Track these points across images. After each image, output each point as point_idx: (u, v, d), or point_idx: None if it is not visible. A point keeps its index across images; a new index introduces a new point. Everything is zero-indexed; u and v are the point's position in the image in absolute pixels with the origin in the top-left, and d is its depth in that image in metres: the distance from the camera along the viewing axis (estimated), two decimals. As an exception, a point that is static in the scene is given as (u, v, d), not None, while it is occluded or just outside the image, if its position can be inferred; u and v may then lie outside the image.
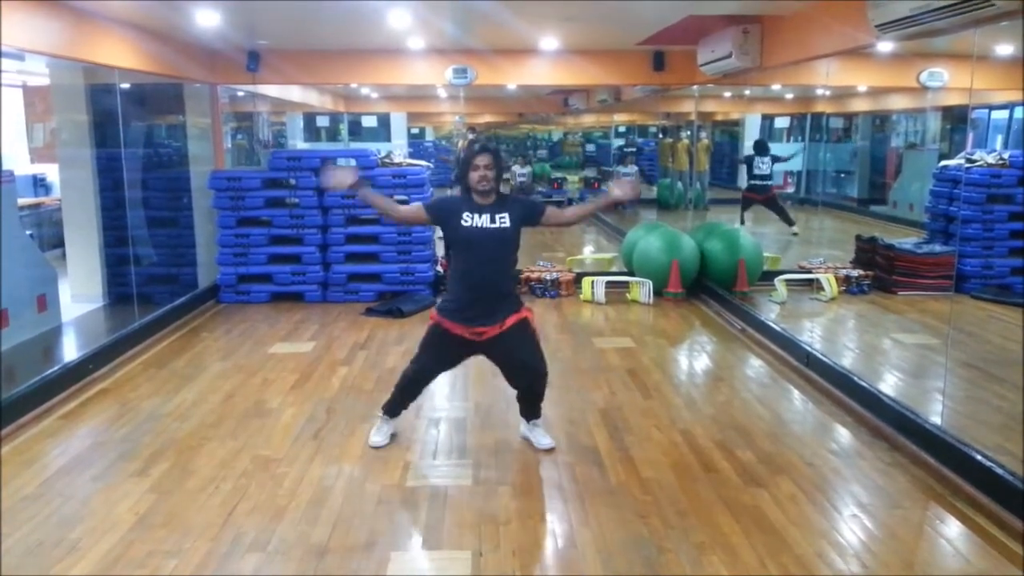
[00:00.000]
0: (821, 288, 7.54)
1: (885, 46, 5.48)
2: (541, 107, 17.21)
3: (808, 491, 3.63)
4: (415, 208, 4.05)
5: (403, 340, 6.26)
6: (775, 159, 11.14)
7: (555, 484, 3.72)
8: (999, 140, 10.39)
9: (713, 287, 7.50)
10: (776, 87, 10.97)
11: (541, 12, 5.96)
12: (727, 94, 12.43)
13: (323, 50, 7.91)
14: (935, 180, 8.61)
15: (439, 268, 7.90)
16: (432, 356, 3.99)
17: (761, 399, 4.94)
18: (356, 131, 15.77)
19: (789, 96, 12.75)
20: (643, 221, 10.43)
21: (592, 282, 7.65)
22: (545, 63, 8.10)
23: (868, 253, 8.19)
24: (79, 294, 7.33)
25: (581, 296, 7.65)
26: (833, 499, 3.58)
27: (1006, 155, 7.97)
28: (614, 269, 8.67)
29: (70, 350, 6.28)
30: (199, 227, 7.94)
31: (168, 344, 6.19)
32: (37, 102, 9.02)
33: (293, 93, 10.69)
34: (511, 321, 3.83)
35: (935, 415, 4.19)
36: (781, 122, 14.81)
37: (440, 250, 8.14)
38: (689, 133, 13.04)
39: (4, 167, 6.02)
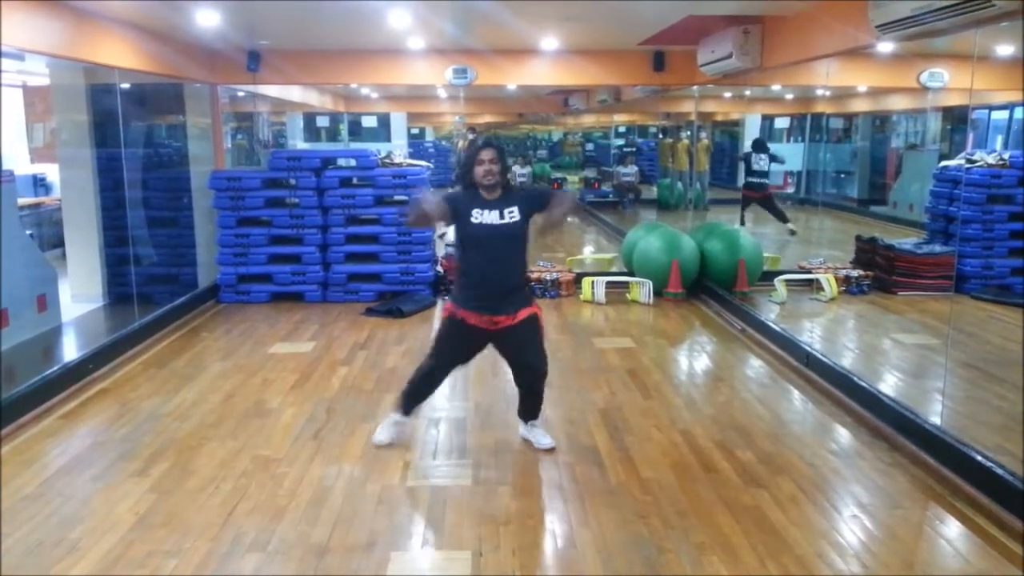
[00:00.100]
0: (821, 288, 7.54)
1: (885, 46, 5.48)
2: (541, 107, 17.21)
3: (808, 491, 3.63)
4: (438, 200, 3.90)
5: (403, 340, 6.27)
6: (772, 158, 11.17)
7: (555, 484, 3.72)
8: (999, 140, 10.39)
9: (713, 287, 7.50)
10: (776, 87, 10.98)
11: (541, 12, 5.96)
12: (727, 94, 12.44)
13: (323, 50, 7.91)
14: (935, 180, 8.61)
15: (439, 268, 7.91)
16: (450, 348, 3.96)
17: (761, 399, 4.94)
18: (356, 131, 15.77)
19: (789, 96, 12.76)
20: (643, 221, 10.44)
21: (592, 282, 7.65)
22: (545, 63, 8.11)
23: (868, 253, 8.19)
24: (79, 294, 7.33)
25: (581, 296, 7.65)
26: (833, 499, 3.58)
27: (1006, 155, 7.97)
28: (614, 269, 8.67)
29: (70, 350, 6.28)
30: (199, 227, 7.94)
31: (168, 344, 6.19)
32: (37, 102, 9.02)
33: (293, 93, 10.70)
34: (523, 315, 3.85)
35: (935, 415, 4.18)
36: (781, 122, 14.83)
37: (440, 250, 8.16)
38: (689, 133, 13.05)
39: (4, 167, 6.02)
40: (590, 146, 19.80)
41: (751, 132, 14.06)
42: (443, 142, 21.21)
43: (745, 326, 6.50)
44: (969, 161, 8.17)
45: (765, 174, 11.15)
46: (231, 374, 5.38)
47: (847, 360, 5.67)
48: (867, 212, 12.40)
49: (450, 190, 4.57)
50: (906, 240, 8.31)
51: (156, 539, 3.19)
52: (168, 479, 3.75)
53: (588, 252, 10.54)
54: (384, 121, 15.75)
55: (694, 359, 6.11)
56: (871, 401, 4.48)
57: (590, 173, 17.10)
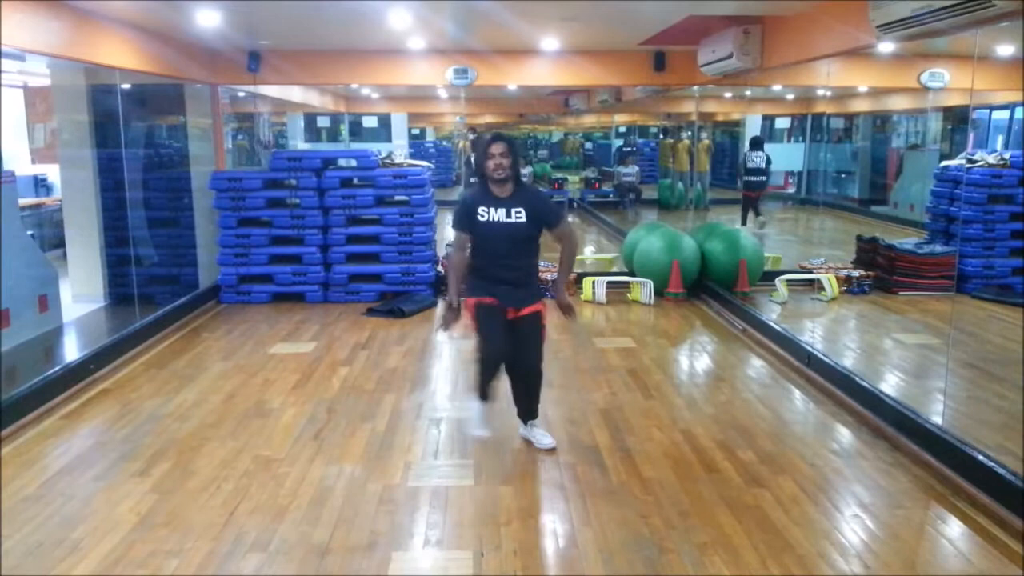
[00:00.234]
0: (822, 288, 7.54)
1: (886, 47, 5.48)
2: (542, 107, 17.22)
3: (810, 491, 3.63)
4: (460, 238, 3.96)
5: (404, 340, 6.27)
6: (768, 161, 11.24)
7: (556, 484, 3.72)
8: (1000, 140, 10.39)
9: (714, 287, 7.50)
10: (777, 88, 10.99)
11: (542, 12, 5.96)
12: (728, 95, 12.44)
13: (324, 50, 7.92)
14: (936, 180, 8.61)
15: (439, 268, 7.91)
16: (492, 331, 3.89)
17: (762, 399, 4.93)
18: (357, 131, 15.78)
19: (790, 96, 12.77)
20: (644, 221, 10.44)
21: (593, 282, 7.65)
22: (546, 63, 8.11)
23: (869, 253, 8.19)
24: (80, 294, 7.34)
25: (582, 296, 7.65)
26: (835, 499, 3.58)
27: (1007, 155, 7.97)
28: (615, 269, 8.67)
29: (71, 350, 6.29)
30: (200, 227, 7.94)
31: (169, 344, 6.19)
32: (38, 102, 9.01)
33: (294, 93, 10.71)
34: (527, 311, 3.90)
35: (936, 415, 4.18)
36: (782, 122, 14.82)
37: (441, 250, 8.16)
38: (690, 133, 13.05)
39: (5, 167, 6.03)
40: (587, 144, 19.81)
41: (752, 132, 14.06)
42: (444, 142, 21.23)
43: (746, 326, 6.50)
44: (970, 161, 8.16)
45: (763, 172, 11.17)
46: (232, 374, 5.38)
47: (848, 360, 5.67)
48: (868, 212, 12.40)
49: (465, 193, 4.61)
50: (907, 240, 8.31)
51: (157, 539, 3.20)
52: (169, 479, 3.75)
53: (589, 252, 10.55)
54: (385, 121, 15.76)
55: (695, 359, 6.11)
56: (872, 401, 4.48)
57: (590, 173, 17.11)
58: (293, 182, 7.65)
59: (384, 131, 15.78)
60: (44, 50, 5.12)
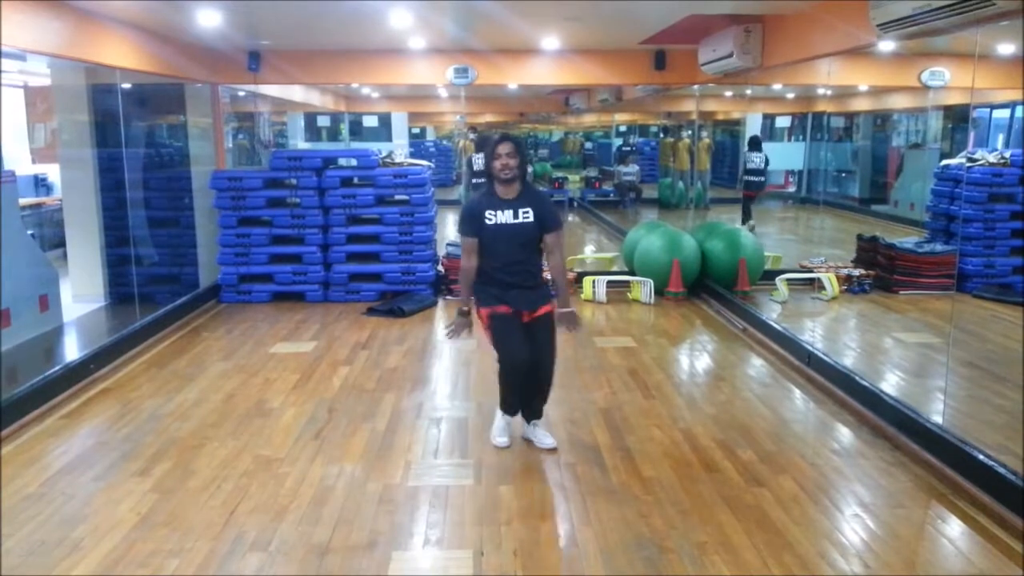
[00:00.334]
0: (822, 287, 7.53)
1: (886, 45, 5.48)
2: (542, 107, 17.21)
3: (810, 490, 3.63)
4: (468, 243, 3.94)
5: (404, 339, 6.27)
6: (767, 161, 11.23)
7: (556, 483, 3.72)
8: (1000, 139, 10.38)
9: (714, 286, 7.50)
10: (777, 86, 10.98)
11: (542, 12, 5.96)
12: (728, 93, 12.42)
13: (324, 50, 7.91)
14: (936, 179, 8.61)
15: (440, 268, 7.91)
16: (512, 340, 3.90)
17: (762, 398, 4.93)
18: (357, 131, 15.78)
19: (790, 95, 12.76)
20: (644, 220, 10.44)
21: (593, 281, 7.65)
22: (546, 63, 8.10)
23: (869, 252, 8.18)
24: (80, 294, 7.34)
25: (582, 295, 7.65)
26: (835, 498, 3.58)
27: (1007, 154, 7.96)
28: (615, 268, 8.67)
29: (72, 350, 6.29)
30: (200, 227, 7.95)
31: (169, 344, 6.19)
32: (39, 102, 9.02)
33: (294, 93, 10.70)
34: (543, 310, 3.93)
35: (936, 414, 4.18)
36: (782, 121, 14.81)
37: (441, 250, 8.16)
38: (690, 132, 13.04)
39: (5, 167, 6.04)
40: (588, 143, 19.80)
41: (752, 131, 14.05)
42: (444, 141, 21.22)
43: (746, 325, 6.50)
44: (970, 160, 8.16)
45: (761, 172, 11.16)
46: (232, 374, 5.38)
47: (848, 359, 5.67)
48: (868, 211, 12.39)
49: (469, 199, 4.63)
50: (907, 239, 8.30)
51: (158, 539, 3.20)
52: (170, 479, 3.76)
53: (589, 251, 10.55)
54: (385, 121, 15.76)
55: (695, 358, 6.11)
56: (873, 400, 4.48)
57: (591, 172, 17.11)
58: (293, 181, 7.65)
59: (384, 130, 15.78)
60: (45, 50, 5.12)
